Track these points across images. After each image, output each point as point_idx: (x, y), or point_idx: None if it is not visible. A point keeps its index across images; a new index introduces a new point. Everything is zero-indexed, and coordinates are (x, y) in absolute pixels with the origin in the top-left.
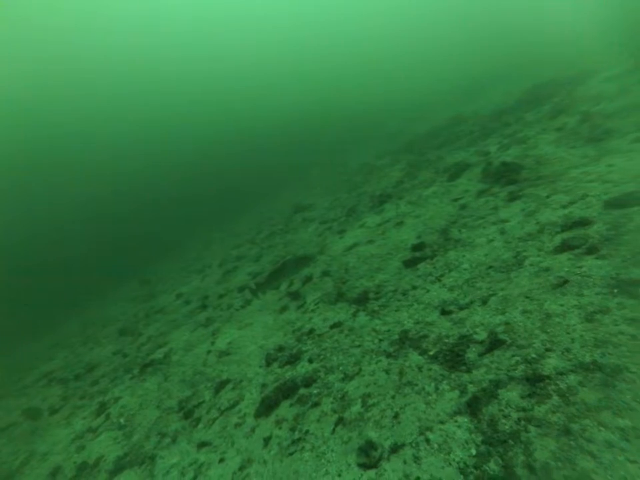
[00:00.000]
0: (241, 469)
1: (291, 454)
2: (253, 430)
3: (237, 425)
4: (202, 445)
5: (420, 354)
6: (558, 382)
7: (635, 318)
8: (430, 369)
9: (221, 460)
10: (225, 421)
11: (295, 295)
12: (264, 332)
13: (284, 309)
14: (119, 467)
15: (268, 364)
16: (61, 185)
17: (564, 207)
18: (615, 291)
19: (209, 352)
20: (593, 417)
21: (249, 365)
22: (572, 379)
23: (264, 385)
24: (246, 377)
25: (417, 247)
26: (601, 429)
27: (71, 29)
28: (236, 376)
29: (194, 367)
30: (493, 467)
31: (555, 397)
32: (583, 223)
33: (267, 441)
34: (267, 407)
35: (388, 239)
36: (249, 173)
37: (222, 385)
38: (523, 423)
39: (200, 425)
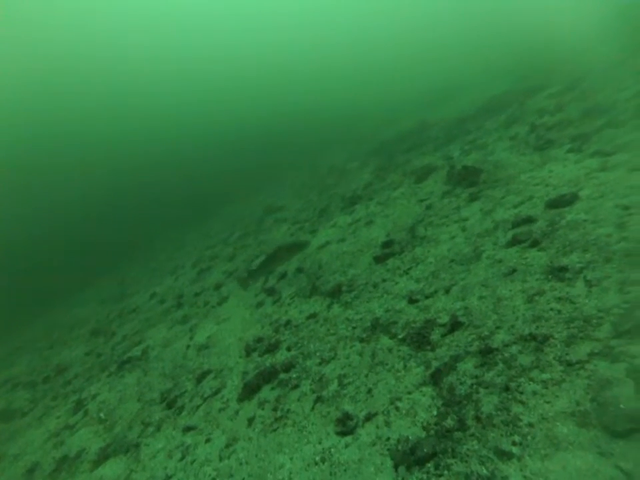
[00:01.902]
0: (227, 446)
1: (275, 430)
2: (236, 412)
3: (221, 409)
4: (187, 429)
5: (390, 338)
6: (503, 352)
7: (562, 297)
8: (399, 350)
9: (208, 440)
10: (208, 407)
11: (270, 291)
12: (242, 325)
13: (260, 304)
14: (103, 457)
15: (248, 354)
16: (29, 186)
17: (515, 206)
18: (550, 276)
19: (188, 346)
20: (525, 375)
21: (229, 356)
22: (514, 348)
23: (245, 373)
24: (227, 367)
25: (386, 244)
26: (530, 382)
27: (66, 28)
28: (217, 366)
29: (174, 361)
30: (449, 422)
31: (501, 364)
32: (529, 220)
33: (250, 420)
34: (249, 392)
35: (359, 237)
36: (221, 175)
37: (203, 375)
38: (474, 386)
39: (184, 413)
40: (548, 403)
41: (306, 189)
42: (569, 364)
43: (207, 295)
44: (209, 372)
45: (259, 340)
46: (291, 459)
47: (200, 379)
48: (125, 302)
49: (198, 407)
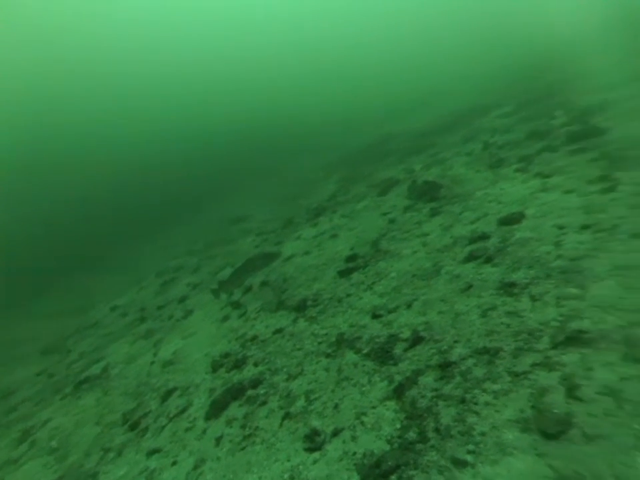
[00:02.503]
0: (195, 468)
1: (243, 448)
2: (204, 432)
3: (188, 429)
4: (152, 452)
5: (355, 353)
6: (461, 365)
7: (511, 311)
8: (364, 365)
9: (174, 463)
10: (174, 427)
11: (236, 305)
12: (208, 340)
13: (226, 318)
14: None
15: (214, 370)
16: None
17: (471, 222)
18: (501, 292)
19: (152, 363)
20: (479, 386)
21: (195, 372)
22: (470, 361)
23: (212, 390)
24: (193, 384)
25: (350, 258)
26: (483, 394)
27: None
28: (183, 383)
29: (137, 379)
30: (412, 434)
31: (458, 377)
32: (484, 237)
33: (218, 440)
34: (216, 409)
35: (323, 250)
36: (185, 183)
37: (169, 393)
38: (434, 399)
39: (148, 434)
40: (498, 412)
41: (271, 198)
42: (516, 375)
43: (171, 308)
44: (174, 389)
45: (226, 355)
46: (260, 478)
47: (165, 397)
48: (82, 316)
49: (163, 427)
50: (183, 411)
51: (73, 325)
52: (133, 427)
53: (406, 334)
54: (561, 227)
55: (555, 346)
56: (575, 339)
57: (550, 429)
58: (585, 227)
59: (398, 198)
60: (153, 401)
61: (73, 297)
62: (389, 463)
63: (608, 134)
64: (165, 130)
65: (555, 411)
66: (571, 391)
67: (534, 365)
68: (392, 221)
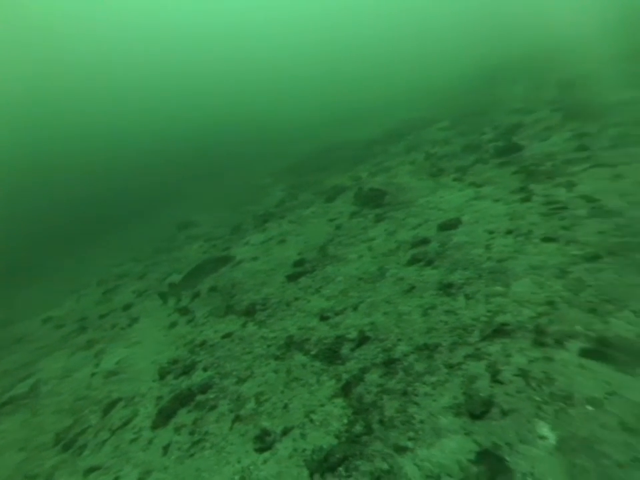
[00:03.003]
0: None
1: (192, 455)
2: (150, 442)
3: (133, 441)
4: (90, 470)
5: (304, 354)
6: (403, 361)
7: (448, 310)
8: (312, 366)
9: (116, 479)
10: (117, 440)
11: (184, 311)
12: (155, 348)
13: (174, 324)
14: None
15: (162, 377)
16: None
17: (414, 228)
18: (440, 292)
19: (93, 374)
20: (420, 380)
21: (141, 381)
22: (411, 357)
23: (159, 398)
24: (139, 393)
25: (298, 263)
26: (423, 386)
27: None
28: (128, 393)
29: (74, 394)
30: (358, 428)
31: (401, 372)
32: (425, 241)
33: (166, 448)
34: (164, 418)
35: (272, 256)
36: (130, 190)
37: (112, 404)
38: (379, 394)
39: (86, 452)
40: (435, 401)
41: (219, 204)
42: (451, 366)
43: (115, 317)
44: (118, 400)
45: (174, 362)
46: None
47: (108, 410)
48: (4, 330)
49: (104, 441)
50: (128, 422)
51: None
52: (67, 447)
53: (353, 334)
54: (490, 232)
55: (483, 338)
56: (499, 331)
57: (476, 411)
58: (509, 232)
59: (345, 204)
60: (93, 415)
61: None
62: (337, 456)
63: (525, 150)
64: (111, 134)
65: (481, 394)
66: (494, 376)
67: (466, 356)
68: (339, 227)
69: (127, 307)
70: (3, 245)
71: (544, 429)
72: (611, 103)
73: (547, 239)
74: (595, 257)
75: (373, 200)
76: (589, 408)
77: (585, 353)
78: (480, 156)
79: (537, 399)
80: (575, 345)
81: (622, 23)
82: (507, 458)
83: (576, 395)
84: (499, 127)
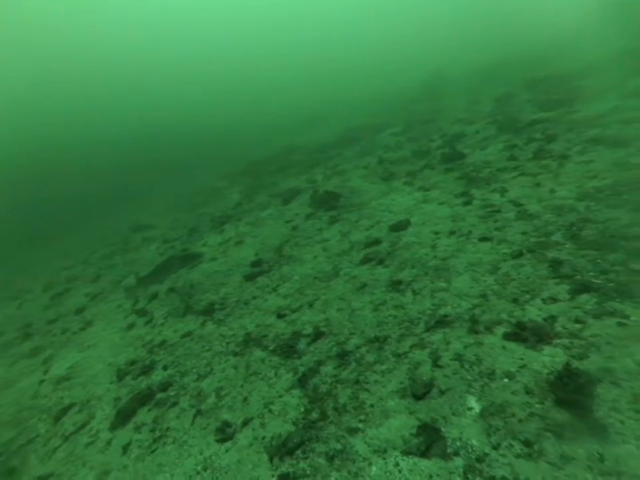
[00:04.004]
0: None
1: (153, 451)
2: (109, 443)
3: (89, 444)
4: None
5: (262, 350)
6: (356, 353)
7: (397, 305)
8: (271, 360)
9: None
10: (71, 445)
11: (141, 312)
12: (112, 350)
13: (131, 326)
14: None
15: (120, 379)
16: None
17: (367, 229)
18: (390, 289)
19: (41, 382)
20: (370, 369)
21: (97, 384)
22: (363, 349)
23: (117, 399)
24: (95, 396)
25: (255, 263)
26: (373, 374)
27: None
28: (82, 398)
29: (18, 404)
30: (314, 415)
31: (354, 363)
32: (377, 242)
33: (125, 447)
34: (123, 418)
35: (229, 257)
36: (79, 190)
37: (64, 411)
38: (334, 384)
39: (33, 461)
40: (384, 387)
41: (175, 206)
42: (399, 355)
43: (65, 321)
44: (71, 406)
45: (132, 363)
46: (172, 475)
47: (59, 417)
48: None
49: (56, 449)
50: (83, 426)
51: None
52: (7, 461)
53: (308, 330)
54: (436, 233)
55: (427, 329)
56: (441, 322)
57: (419, 392)
58: (452, 233)
59: (301, 206)
60: (42, 423)
61: None
62: (295, 441)
63: (467, 158)
64: (62, 134)
65: (424, 378)
66: (435, 362)
67: (412, 346)
68: (295, 228)
69: (79, 311)
70: None
71: (472, 402)
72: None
73: (484, 239)
74: (518, 254)
75: (327, 202)
76: (505, 380)
77: (506, 336)
78: (429, 161)
79: (469, 377)
80: (500, 330)
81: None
82: (442, 429)
83: (497, 371)
84: (445, 135)
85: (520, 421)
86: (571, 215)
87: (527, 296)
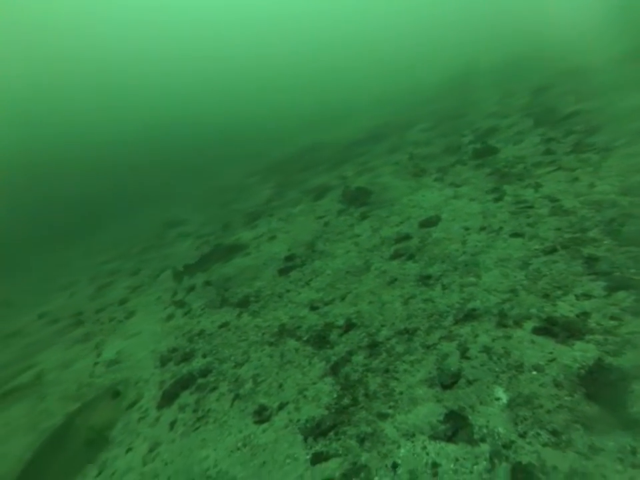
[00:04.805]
0: (150, 451)
1: (197, 429)
2: (157, 419)
3: (140, 419)
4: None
5: (296, 340)
6: (386, 344)
7: (426, 298)
8: (304, 350)
9: (129, 450)
10: (126, 419)
11: (180, 304)
12: (154, 338)
13: (171, 316)
14: None
15: (163, 364)
16: None
17: (397, 225)
18: (419, 283)
19: (95, 364)
20: (400, 359)
21: (143, 368)
22: (393, 340)
23: (162, 382)
24: (142, 379)
25: (288, 258)
26: (403, 364)
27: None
28: (132, 379)
29: (78, 382)
30: (346, 401)
31: (384, 353)
32: (407, 237)
33: (172, 424)
34: (168, 399)
35: (262, 252)
36: (116, 188)
37: (117, 390)
38: (364, 372)
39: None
40: (413, 376)
41: (206, 202)
42: (427, 347)
43: (111, 311)
44: (122, 386)
45: (174, 350)
46: (215, 449)
47: (114, 395)
48: (1, 325)
49: (114, 420)
50: (134, 404)
51: None
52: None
53: (340, 322)
54: (466, 229)
55: (456, 322)
56: (469, 316)
57: (447, 381)
58: (482, 229)
59: (332, 202)
60: (101, 398)
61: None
62: (327, 424)
63: (500, 153)
64: (96, 134)
65: (451, 368)
66: (463, 353)
67: (441, 338)
68: (326, 224)
69: (122, 302)
70: None
71: (499, 392)
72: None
73: (515, 235)
74: (551, 251)
75: (358, 198)
76: (534, 373)
77: (536, 331)
78: (459, 157)
79: (496, 369)
80: (529, 325)
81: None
82: (469, 416)
83: (525, 363)
84: (477, 130)
85: (548, 412)
86: (612, 211)
87: (559, 292)
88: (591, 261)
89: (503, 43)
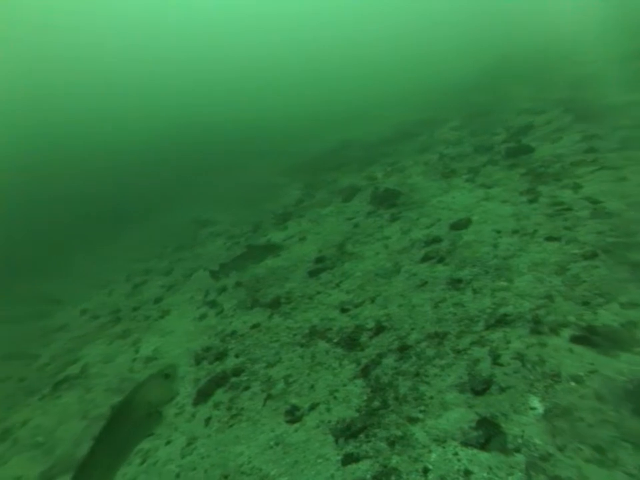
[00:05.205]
0: (188, 445)
1: (231, 426)
2: (193, 415)
3: (177, 414)
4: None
5: (326, 342)
6: (416, 348)
7: (457, 302)
8: (335, 352)
9: (168, 442)
10: (164, 413)
11: (212, 304)
12: (188, 337)
13: (203, 316)
14: (46, 479)
15: (197, 362)
16: None
17: (427, 227)
18: (450, 287)
19: (134, 360)
20: (430, 363)
21: (179, 366)
22: (423, 344)
23: (197, 380)
24: (177, 376)
25: (318, 260)
26: (433, 368)
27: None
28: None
29: (119, 376)
30: (376, 403)
31: (414, 357)
32: (437, 240)
33: (207, 421)
34: (203, 396)
35: (293, 253)
36: (146, 186)
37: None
38: (394, 375)
39: None
40: (443, 380)
41: (236, 202)
42: (458, 351)
43: (146, 309)
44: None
45: (207, 349)
46: (249, 446)
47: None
48: (45, 320)
49: (153, 413)
50: (170, 400)
51: (36, 330)
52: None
53: (370, 324)
54: (498, 231)
55: (487, 327)
56: (501, 321)
57: (478, 388)
58: (515, 232)
59: (361, 204)
60: None
61: (33, 301)
62: (358, 425)
63: (535, 152)
64: (125, 132)
65: (483, 374)
66: (495, 359)
67: (472, 343)
68: (356, 225)
69: (157, 300)
70: (34, 245)
71: (534, 402)
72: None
73: (550, 238)
74: (592, 255)
75: (388, 200)
76: (572, 384)
77: (574, 339)
78: (491, 157)
79: (531, 377)
80: (566, 333)
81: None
82: (502, 424)
83: (563, 373)
84: (510, 128)
85: (590, 426)
86: None
87: (600, 299)
88: (638, 267)
89: (533, 33)
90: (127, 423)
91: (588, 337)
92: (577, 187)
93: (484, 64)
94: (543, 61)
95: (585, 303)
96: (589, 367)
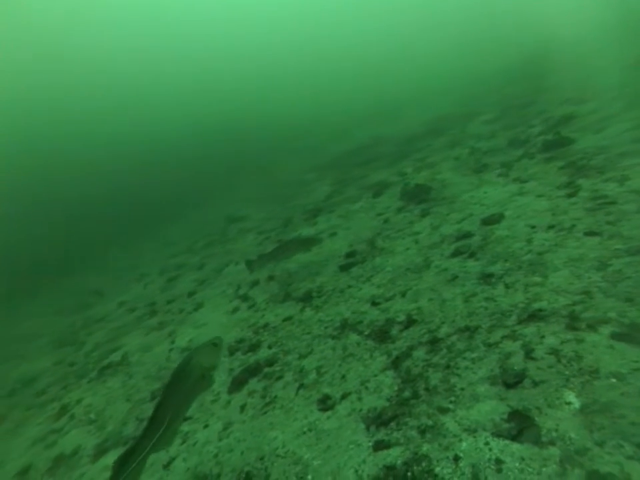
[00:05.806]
0: (225, 429)
1: (265, 413)
2: (229, 402)
3: (214, 401)
4: (183, 419)
5: (357, 334)
6: (447, 341)
7: (488, 297)
8: (366, 344)
9: (205, 426)
10: (201, 400)
11: (244, 298)
12: (221, 329)
13: (236, 309)
14: (100, 451)
15: (231, 353)
16: None
17: (457, 222)
18: (481, 281)
19: (170, 350)
20: (461, 355)
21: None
22: (454, 337)
23: (231, 369)
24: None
25: (349, 254)
26: (464, 360)
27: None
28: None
29: (157, 364)
30: (406, 394)
31: (444, 350)
32: (468, 235)
33: (242, 407)
34: (238, 385)
35: (324, 248)
36: (176, 185)
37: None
38: (425, 367)
39: None
40: (474, 373)
41: (265, 198)
42: (489, 345)
43: (180, 303)
44: None
45: (241, 341)
46: (283, 432)
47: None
48: (87, 311)
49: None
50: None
51: (80, 320)
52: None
53: (401, 318)
54: (532, 227)
55: (520, 322)
56: (534, 316)
57: (510, 381)
58: (551, 227)
59: (391, 199)
60: None
61: (76, 294)
62: (389, 414)
63: (576, 144)
64: (157, 131)
65: (515, 368)
66: (528, 354)
67: (503, 337)
68: (386, 221)
69: (190, 294)
70: (76, 240)
71: (570, 397)
72: None
73: (590, 233)
74: (638, 251)
75: (418, 195)
76: (613, 380)
77: (615, 336)
78: (527, 150)
79: (566, 372)
80: (606, 329)
81: None
82: (536, 418)
83: (602, 370)
84: (548, 119)
85: (632, 423)
86: None
87: None
88: None
89: (579, 14)
90: (186, 382)
91: (631, 334)
92: (623, 180)
93: (528, 51)
94: (588, 48)
95: (629, 300)
96: (633, 365)
